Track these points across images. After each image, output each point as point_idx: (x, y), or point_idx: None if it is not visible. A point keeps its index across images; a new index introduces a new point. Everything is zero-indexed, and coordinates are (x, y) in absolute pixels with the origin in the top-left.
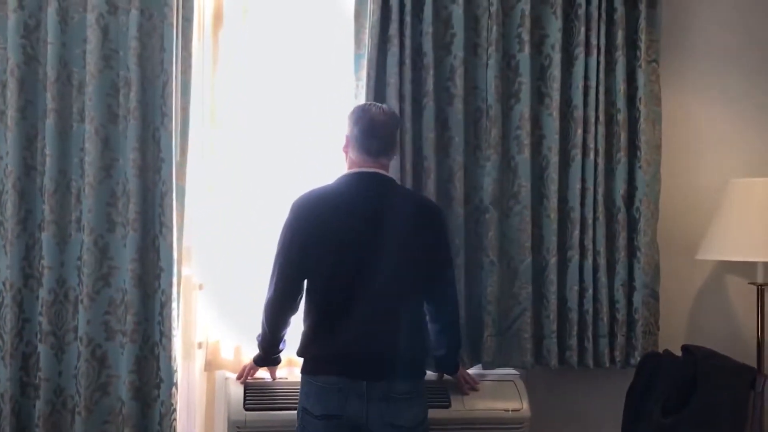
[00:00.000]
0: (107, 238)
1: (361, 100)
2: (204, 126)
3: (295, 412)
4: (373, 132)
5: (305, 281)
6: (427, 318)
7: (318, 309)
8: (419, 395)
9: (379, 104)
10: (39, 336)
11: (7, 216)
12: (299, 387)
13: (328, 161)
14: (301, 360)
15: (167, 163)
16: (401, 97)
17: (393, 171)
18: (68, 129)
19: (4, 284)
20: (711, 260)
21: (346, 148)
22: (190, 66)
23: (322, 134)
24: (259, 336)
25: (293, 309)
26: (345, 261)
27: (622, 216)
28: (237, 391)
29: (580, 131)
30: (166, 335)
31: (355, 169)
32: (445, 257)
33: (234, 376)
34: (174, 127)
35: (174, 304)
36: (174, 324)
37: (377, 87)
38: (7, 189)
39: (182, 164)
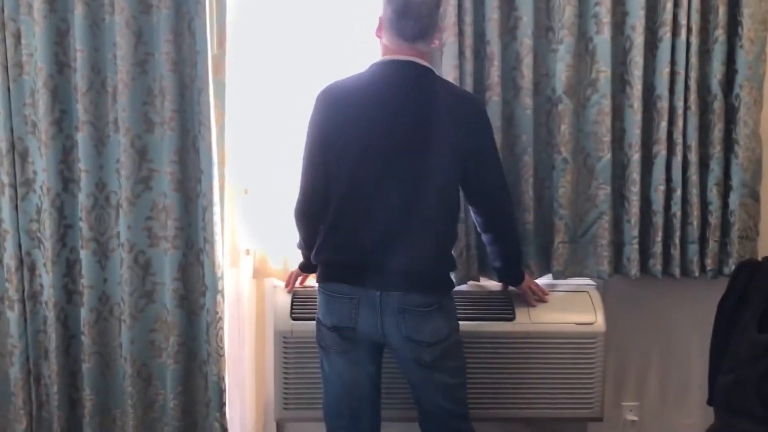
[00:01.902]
0: (145, 139)
1: None
2: (241, 15)
3: None
4: (409, 12)
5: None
6: (478, 228)
7: (335, 212)
8: (440, 309)
9: None
10: (80, 242)
11: (40, 116)
12: None
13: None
14: None
15: (202, 56)
16: None
17: (450, 57)
18: (99, 22)
19: (41, 188)
20: None
21: (379, 32)
22: None
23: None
24: (299, 243)
25: (324, 213)
26: (368, 160)
27: (718, 104)
28: (284, 299)
29: (669, 5)
30: (209, 241)
31: (388, 57)
32: (490, 159)
33: (283, 284)
34: (209, 16)
35: (216, 209)
36: (216, 229)
37: None
38: (38, 88)
39: (220, 57)
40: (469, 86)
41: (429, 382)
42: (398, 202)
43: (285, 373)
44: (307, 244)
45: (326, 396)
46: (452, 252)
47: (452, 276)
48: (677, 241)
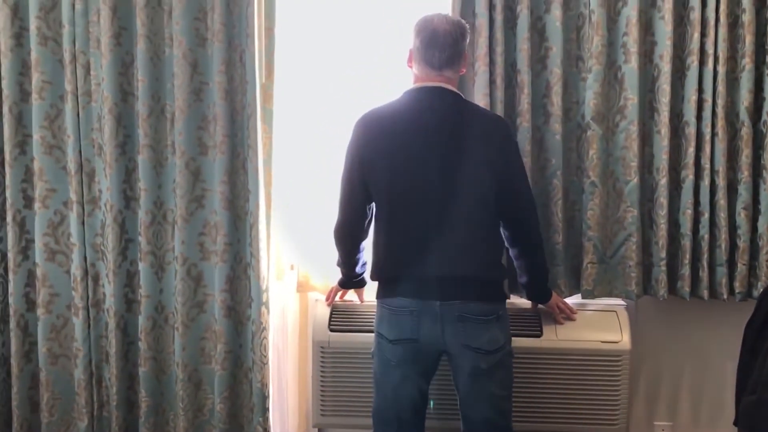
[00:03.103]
0: (199, 161)
1: (447, 11)
2: (290, 48)
3: None
4: (435, 42)
5: (372, 204)
6: (506, 243)
7: (385, 231)
8: (498, 319)
9: (445, 14)
10: (139, 255)
11: (106, 140)
12: None
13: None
14: None
15: (252, 85)
16: (491, 6)
17: (481, 86)
18: (160, 54)
19: (105, 205)
20: None
21: (409, 63)
22: None
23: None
24: (338, 261)
25: (362, 234)
26: (408, 180)
27: (746, 131)
28: (324, 312)
29: (696, 35)
30: (255, 256)
31: (418, 84)
32: (516, 176)
33: (324, 297)
34: (258, 49)
35: (262, 226)
36: (262, 245)
37: None
38: (104, 114)
39: (269, 87)
40: (499, 113)
41: (479, 392)
42: (447, 220)
43: (322, 381)
44: (345, 262)
45: (377, 402)
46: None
47: None
48: (705, 263)
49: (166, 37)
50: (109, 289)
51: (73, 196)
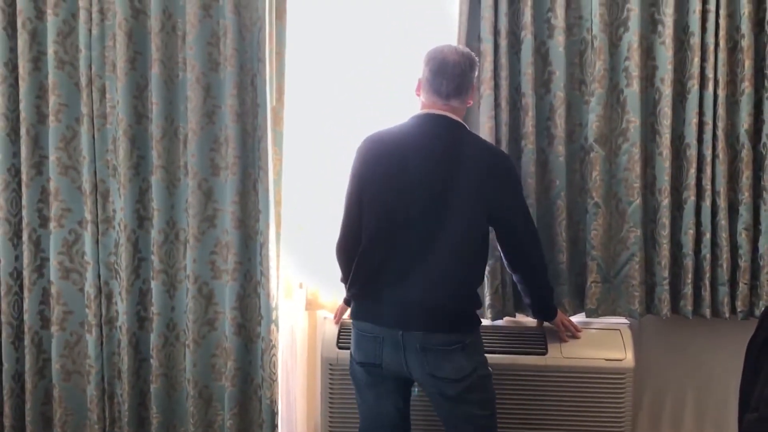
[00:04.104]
0: (211, 182)
1: (453, 37)
2: (300, 72)
3: None
4: (444, 72)
5: None
6: (507, 268)
7: (364, 250)
8: (464, 348)
9: (455, 45)
10: (152, 274)
11: (120, 161)
12: None
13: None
14: None
15: (263, 108)
16: (496, 32)
17: (487, 108)
18: (174, 78)
19: (119, 225)
20: None
21: (418, 91)
22: (284, 11)
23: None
24: (341, 277)
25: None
26: (397, 203)
27: (746, 153)
28: (332, 330)
29: (697, 60)
30: (265, 275)
31: (423, 111)
32: (513, 210)
33: (332, 315)
34: (269, 72)
35: (272, 246)
36: (272, 264)
37: (470, 22)
38: (119, 136)
39: (279, 110)
40: (504, 135)
41: (457, 414)
42: (422, 245)
43: (330, 397)
44: (346, 278)
45: (360, 419)
46: (478, 292)
47: (487, 312)
48: (707, 282)
49: (180, 61)
50: (121, 306)
51: (88, 216)
